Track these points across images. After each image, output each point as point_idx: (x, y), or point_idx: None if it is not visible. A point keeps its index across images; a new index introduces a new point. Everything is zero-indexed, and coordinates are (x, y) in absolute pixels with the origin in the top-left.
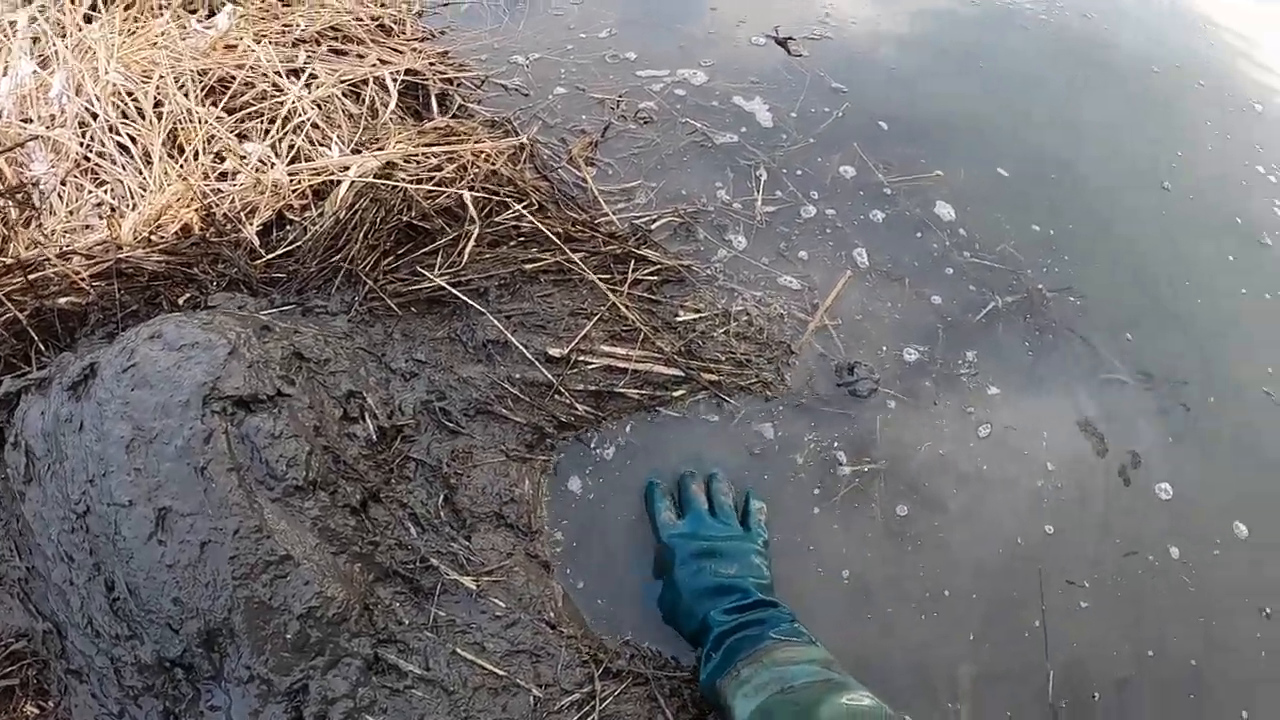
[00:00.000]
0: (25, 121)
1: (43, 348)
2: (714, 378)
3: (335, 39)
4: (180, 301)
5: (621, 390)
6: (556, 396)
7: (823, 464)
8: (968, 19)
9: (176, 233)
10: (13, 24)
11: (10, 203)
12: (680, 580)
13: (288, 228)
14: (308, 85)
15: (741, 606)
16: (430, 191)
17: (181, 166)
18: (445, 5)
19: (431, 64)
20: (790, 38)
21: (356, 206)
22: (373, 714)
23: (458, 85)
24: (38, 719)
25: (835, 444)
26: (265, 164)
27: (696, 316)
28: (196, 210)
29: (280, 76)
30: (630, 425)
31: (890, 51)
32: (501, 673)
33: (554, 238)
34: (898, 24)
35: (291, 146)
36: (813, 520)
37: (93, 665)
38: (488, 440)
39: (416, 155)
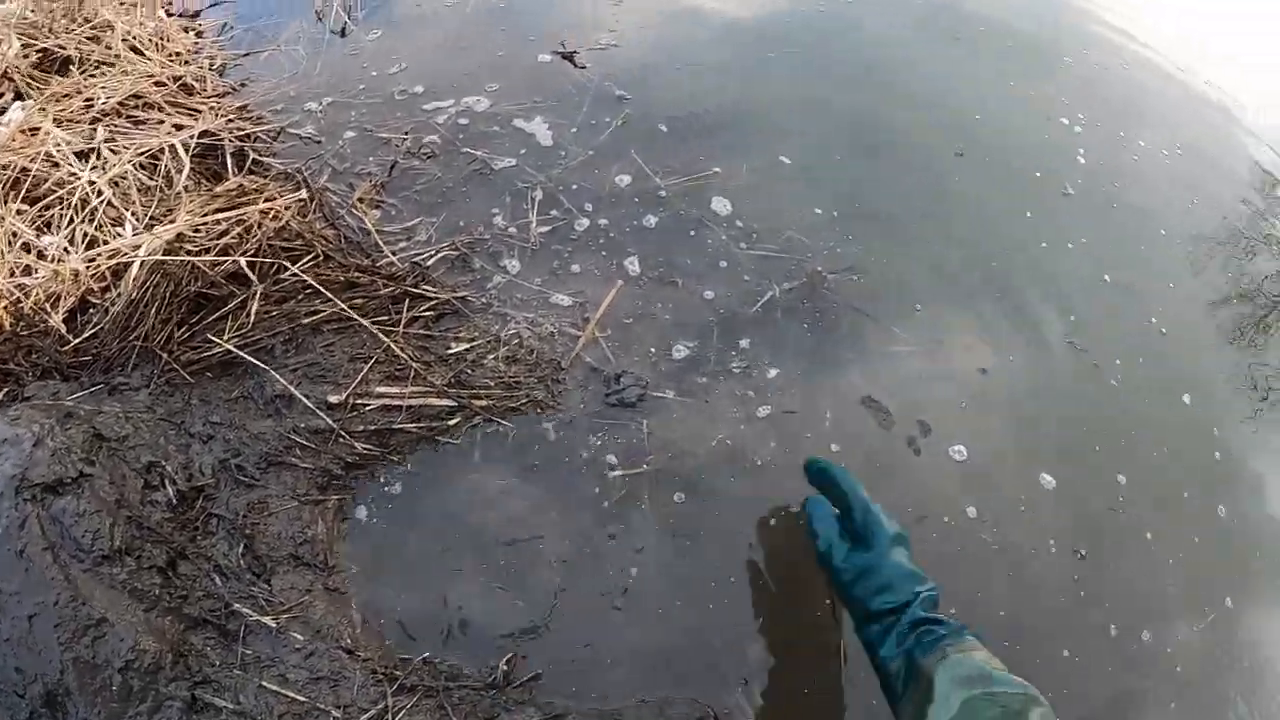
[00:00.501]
0: None
1: None
2: (484, 404)
3: (136, 107)
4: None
5: (400, 426)
6: (339, 440)
7: (596, 473)
8: (753, 18)
9: None
10: None
11: None
12: (885, 556)
13: (90, 311)
14: (103, 165)
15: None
16: (215, 260)
17: None
18: (246, 56)
19: (230, 121)
20: (575, 51)
21: (148, 284)
22: None
23: (254, 140)
24: None
25: (607, 452)
26: (64, 253)
27: (468, 346)
28: (5, 308)
29: (77, 160)
30: (414, 458)
31: (675, 55)
32: (303, 699)
33: (323, 289)
34: (684, 28)
35: (85, 235)
36: (592, 528)
37: None
38: (281, 489)
39: (205, 223)
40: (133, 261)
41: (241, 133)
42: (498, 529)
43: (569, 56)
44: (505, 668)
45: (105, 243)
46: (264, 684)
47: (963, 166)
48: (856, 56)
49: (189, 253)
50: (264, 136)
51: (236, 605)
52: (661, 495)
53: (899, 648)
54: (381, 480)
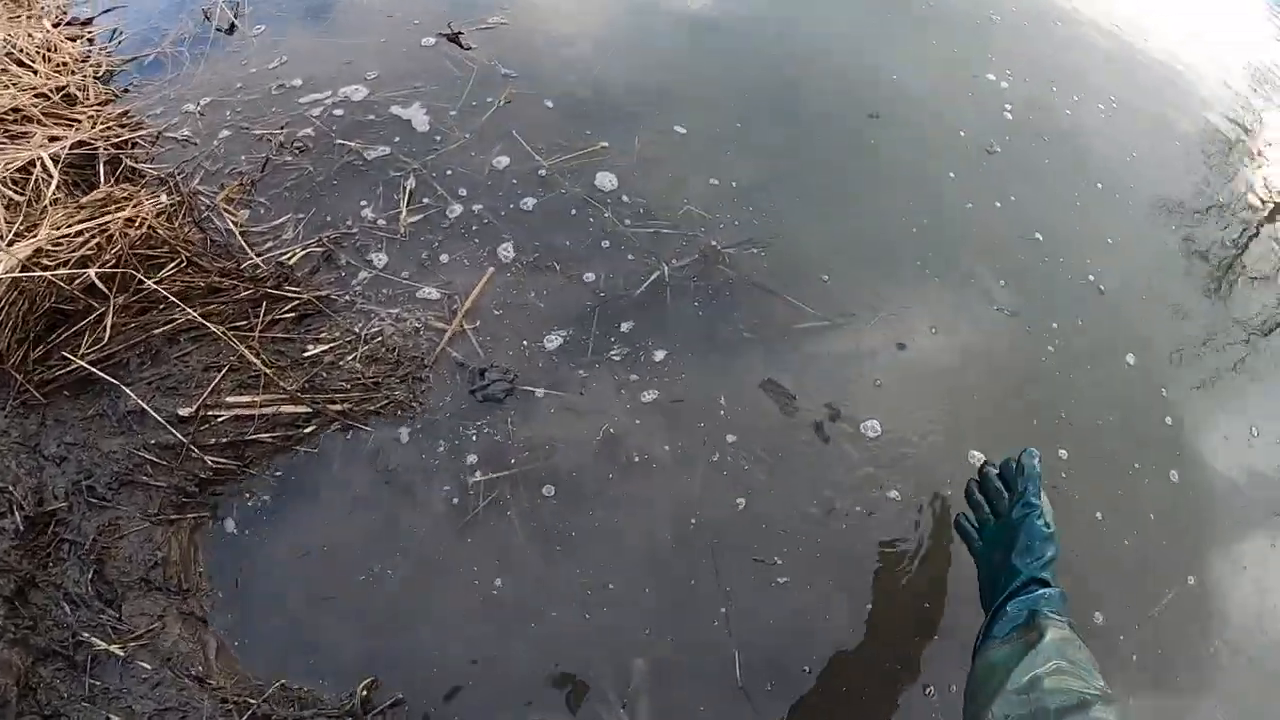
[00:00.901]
0: None
1: None
2: (340, 408)
3: (14, 121)
4: None
5: (255, 437)
6: (191, 455)
7: (458, 477)
8: None
9: None
10: None
11: None
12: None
13: None
14: None
15: None
16: (70, 274)
17: None
18: (130, 61)
19: (107, 129)
20: (460, 32)
21: (4, 302)
22: None
23: (132, 146)
24: None
25: (471, 454)
26: None
27: (326, 348)
28: None
29: None
30: (271, 469)
31: (568, 32)
32: None
33: (171, 296)
34: (580, 3)
35: None
36: (456, 536)
37: None
38: (132, 509)
39: (65, 236)
40: None
41: (119, 140)
42: (358, 542)
43: (454, 38)
44: (364, 693)
45: None
46: (111, 716)
47: (879, 128)
48: (762, 23)
49: (46, 267)
50: (143, 142)
51: (84, 635)
52: (529, 497)
53: (1026, 605)
54: (239, 496)
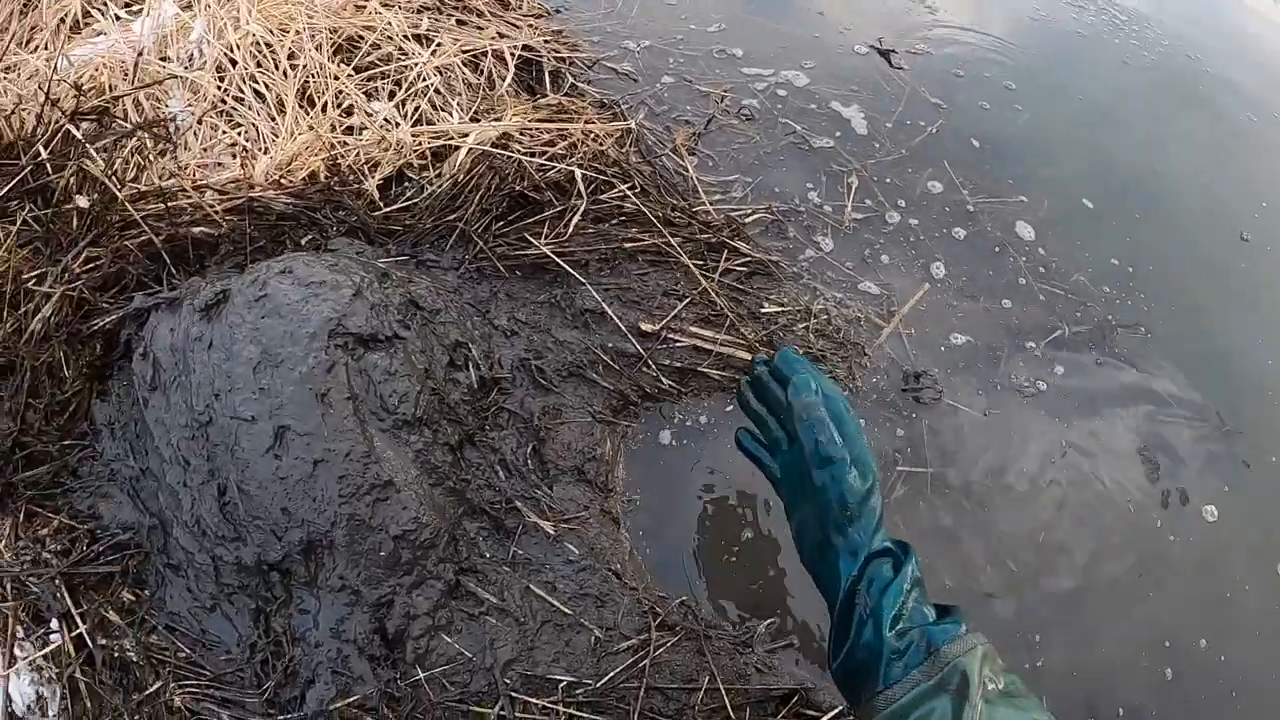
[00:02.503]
0: (163, 60)
1: (174, 271)
2: None
3: (457, 8)
4: (303, 242)
5: (704, 370)
6: (644, 369)
7: (880, 462)
8: (1070, 49)
9: (304, 179)
10: None
11: (148, 135)
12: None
13: (405, 184)
14: (431, 52)
15: None
16: (542, 165)
17: (311, 118)
18: None
19: (546, 41)
20: (892, 50)
21: (474, 172)
22: (448, 634)
23: (569, 64)
24: (132, 604)
25: (894, 444)
26: (390, 123)
27: (780, 310)
28: (323, 160)
29: (406, 40)
30: (707, 404)
31: (989, 73)
32: (568, 611)
33: (655, 221)
34: (999, 46)
35: (416, 109)
36: None
37: (192, 561)
38: (577, 401)
39: (530, 129)
40: (459, 147)
41: (558, 55)
42: (770, 495)
43: (886, 54)
44: (764, 630)
45: (430, 124)
46: (532, 587)
47: (1247, 252)
48: (1153, 115)
49: (518, 151)
50: (580, 63)
51: (518, 503)
52: (938, 498)
53: (910, 624)
54: (672, 417)
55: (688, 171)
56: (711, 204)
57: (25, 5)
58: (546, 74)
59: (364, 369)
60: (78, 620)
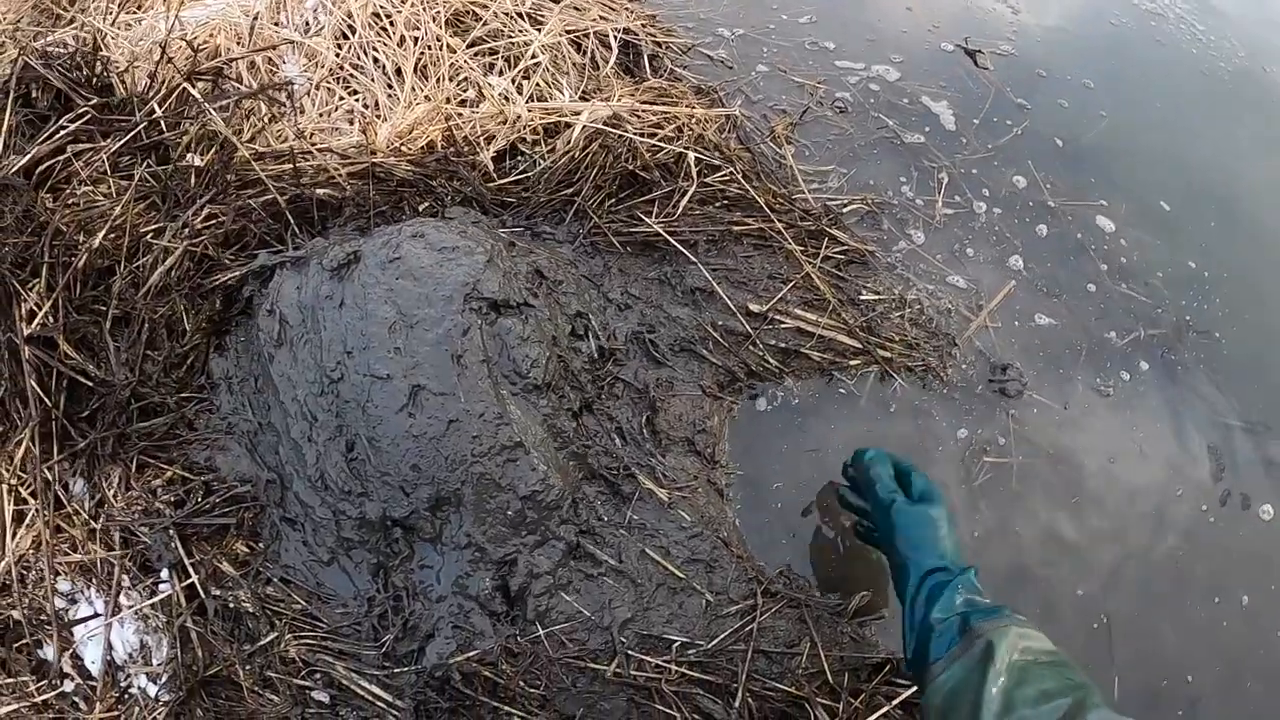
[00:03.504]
0: (276, 25)
1: (297, 230)
2: (887, 354)
3: None
4: (420, 209)
5: (806, 351)
6: (751, 347)
7: (969, 450)
8: (1150, 56)
9: (422, 147)
10: None
11: (266, 98)
12: (947, 519)
13: (519, 158)
14: (539, 30)
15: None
16: (653, 146)
17: (429, 88)
18: None
19: (643, 25)
20: (979, 50)
21: (589, 149)
22: (568, 593)
23: (666, 49)
24: (246, 557)
25: (980, 433)
26: (506, 98)
27: (876, 298)
28: (441, 130)
29: (514, 20)
30: (807, 384)
31: (1072, 75)
32: (681, 575)
33: (762, 205)
34: (1082, 49)
35: (533, 85)
36: (954, 499)
37: (311, 515)
38: (688, 375)
39: (638, 110)
40: (572, 124)
41: (655, 39)
42: None
43: (972, 54)
44: (858, 603)
45: (542, 100)
46: (647, 550)
47: None
48: (1228, 123)
49: (630, 131)
50: (675, 48)
51: (634, 469)
52: (1025, 488)
53: (953, 609)
54: (775, 395)
55: (786, 159)
56: (809, 192)
57: None
58: (645, 58)
59: (498, 333)
60: (190, 570)
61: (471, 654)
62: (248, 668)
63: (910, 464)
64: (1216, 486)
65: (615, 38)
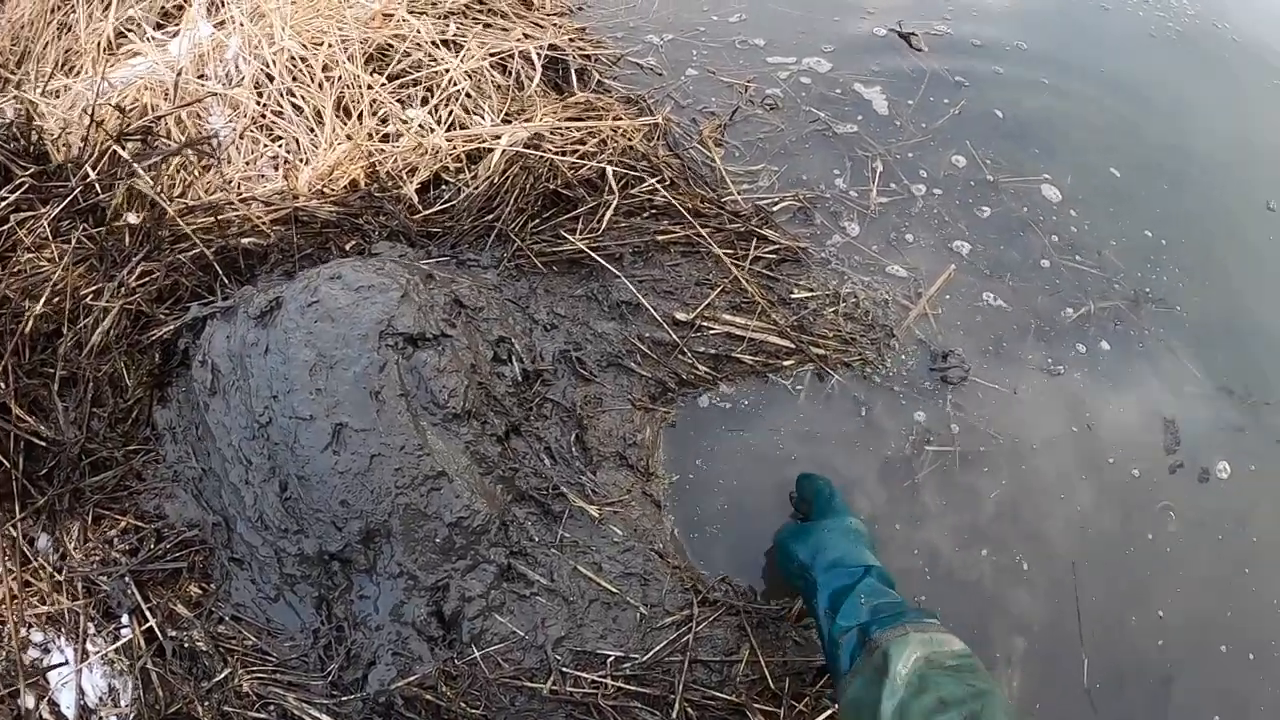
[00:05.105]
0: (201, 78)
1: (225, 280)
2: (821, 352)
3: (481, 12)
4: (347, 247)
5: (738, 356)
6: (680, 356)
7: (911, 440)
8: (1091, 23)
9: (345, 186)
10: None
11: (193, 152)
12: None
13: (443, 187)
14: (459, 57)
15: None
16: (573, 163)
17: (349, 127)
18: None
19: (571, 40)
20: (913, 33)
21: (508, 173)
22: (501, 614)
23: (595, 61)
24: (199, 597)
25: (923, 422)
26: (426, 129)
27: (809, 295)
28: (363, 168)
29: (435, 47)
30: (742, 388)
31: (1010, 51)
32: (614, 590)
33: (685, 213)
34: (1019, 23)
35: (449, 114)
36: (900, 494)
37: (256, 554)
38: (616, 390)
39: (561, 128)
40: (493, 149)
41: (583, 52)
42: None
43: (906, 37)
44: (799, 606)
45: (464, 127)
46: (579, 568)
47: (1276, 221)
48: (1179, 85)
49: (550, 150)
50: (604, 60)
51: (563, 488)
52: (966, 472)
53: (856, 619)
54: (707, 402)
55: (715, 163)
56: (739, 194)
57: (60, 31)
58: (573, 72)
59: (414, 366)
60: (147, 614)
61: (411, 679)
62: (205, 704)
63: (822, 481)
64: (1172, 456)
65: (539, 56)
